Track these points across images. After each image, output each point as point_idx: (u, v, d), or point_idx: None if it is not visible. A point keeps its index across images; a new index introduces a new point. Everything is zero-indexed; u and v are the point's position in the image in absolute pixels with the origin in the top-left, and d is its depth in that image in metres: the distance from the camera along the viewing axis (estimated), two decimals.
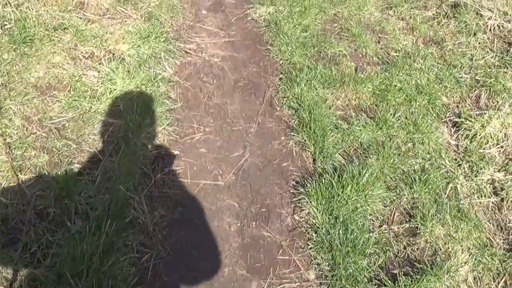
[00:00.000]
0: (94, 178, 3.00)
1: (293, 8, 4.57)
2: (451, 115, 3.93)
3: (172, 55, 3.96)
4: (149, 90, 3.55)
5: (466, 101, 4.08)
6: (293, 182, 3.25)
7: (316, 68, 3.92)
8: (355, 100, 3.84)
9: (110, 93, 3.47)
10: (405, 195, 3.26)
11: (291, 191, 3.20)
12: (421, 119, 3.70)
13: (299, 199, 3.12)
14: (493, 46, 4.59)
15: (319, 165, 3.34)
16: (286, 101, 3.75)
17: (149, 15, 4.24)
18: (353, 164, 3.26)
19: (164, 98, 3.59)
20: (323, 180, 3.11)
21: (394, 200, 3.23)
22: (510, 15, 4.75)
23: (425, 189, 3.29)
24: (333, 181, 3.08)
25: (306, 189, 3.10)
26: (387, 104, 3.84)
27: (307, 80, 3.80)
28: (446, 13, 4.97)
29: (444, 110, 3.93)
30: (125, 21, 4.11)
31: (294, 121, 3.62)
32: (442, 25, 4.86)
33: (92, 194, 2.90)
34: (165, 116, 3.49)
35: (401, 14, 4.97)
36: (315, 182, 3.12)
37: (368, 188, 3.14)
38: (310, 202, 3.06)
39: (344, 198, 3.04)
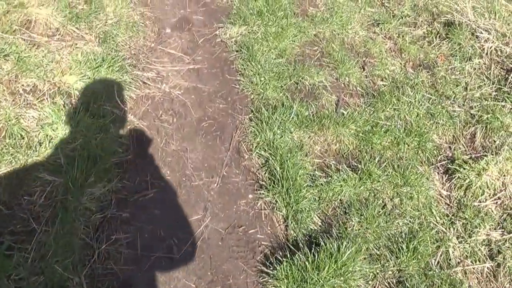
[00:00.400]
0: (27, 255, 2.54)
1: (268, 28, 4.01)
2: (443, 158, 3.48)
3: (127, 87, 3.39)
4: (97, 136, 3.02)
5: (459, 140, 3.61)
6: (260, 255, 2.77)
7: (292, 107, 3.37)
8: (335, 144, 3.34)
9: (49, 142, 2.94)
10: (390, 266, 2.77)
11: (258, 266, 2.68)
12: (410, 170, 3.21)
13: (266, 280, 2.60)
14: (490, 73, 4.09)
15: (292, 233, 2.84)
16: (256, 147, 3.22)
17: (104, 35, 3.66)
18: (331, 237, 2.74)
19: (114, 144, 3.06)
20: (295, 261, 2.61)
21: (377, 273, 2.75)
22: (509, 37, 4.21)
23: (413, 259, 2.81)
24: (307, 263, 2.57)
25: (275, 272, 2.58)
26: (371, 148, 3.35)
27: (281, 122, 3.25)
28: (438, 32, 4.45)
29: (436, 153, 3.47)
30: (76, 44, 3.55)
31: (265, 173, 3.09)
32: (434, 46, 4.35)
33: (24, 275, 2.46)
34: (114, 169, 2.92)
35: (389, 32, 4.44)
36: (286, 262, 2.61)
37: (348, 264, 2.63)
38: (280, 287, 2.54)
39: (320, 281, 2.54)
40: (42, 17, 3.65)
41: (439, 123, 3.68)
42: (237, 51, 3.90)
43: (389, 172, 3.22)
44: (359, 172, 3.17)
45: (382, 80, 3.97)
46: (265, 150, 3.21)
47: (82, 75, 3.35)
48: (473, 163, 3.38)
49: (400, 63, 4.19)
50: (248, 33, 4.00)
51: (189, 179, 3.05)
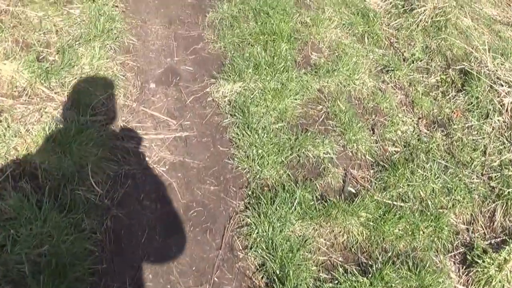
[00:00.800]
0: None
1: (267, 84, 3.50)
2: (460, 244, 3.12)
3: (104, 163, 2.89)
4: (67, 238, 2.55)
5: (478, 220, 3.25)
6: None
7: (294, 192, 2.93)
8: (343, 235, 2.92)
9: (12, 245, 2.41)
10: None
11: None
12: (426, 269, 2.87)
13: None
14: (510, 134, 3.63)
15: None
16: (252, 244, 2.76)
17: (77, 94, 3.14)
18: None
19: (88, 243, 2.59)
20: None
21: None
22: None
23: None
24: None
25: None
26: (383, 239, 2.92)
27: (281, 214, 2.77)
28: (453, 81, 4.01)
29: (452, 239, 3.04)
30: (45, 108, 3.09)
31: (262, 278, 2.64)
32: (449, 98, 3.89)
33: None
34: (87, 277, 2.45)
35: (399, 80, 3.98)
36: None
37: None
38: None
39: None
40: (7, 74, 3.14)
41: (456, 199, 3.27)
42: (231, 115, 3.39)
43: (403, 273, 2.78)
44: (370, 275, 2.72)
45: (393, 144, 3.53)
46: (263, 249, 2.74)
47: (50, 152, 2.84)
48: (493, 252, 2.98)
49: (412, 121, 3.74)
50: (244, 90, 3.49)
51: (174, 286, 2.57)
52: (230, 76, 3.56)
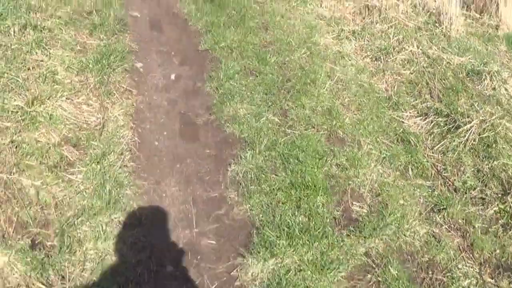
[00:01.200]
0: None
1: (303, 256, 3.04)
2: None
3: None
4: None
5: None
6: None
7: None
8: None
9: None
10: None
11: None
12: None
13: None
14: None
15: None
16: None
17: None
18: None
19: None
20: None
21: None
22: None
23: None
24: None
25: None
26: None
27: None
28: None
29: None
30: None
31: None
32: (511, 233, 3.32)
33: None
34: None
35: (453, 218, 3.48)
36: None
37: None
38: None
39: None
40: None
41: None
42: None
43: None
44: None
45: None
46: None
47: None
48: None
49: (474, 270, 3.24)
50: (278, 268, 2.99)
51: None
52: (259, 252, 3.06)
